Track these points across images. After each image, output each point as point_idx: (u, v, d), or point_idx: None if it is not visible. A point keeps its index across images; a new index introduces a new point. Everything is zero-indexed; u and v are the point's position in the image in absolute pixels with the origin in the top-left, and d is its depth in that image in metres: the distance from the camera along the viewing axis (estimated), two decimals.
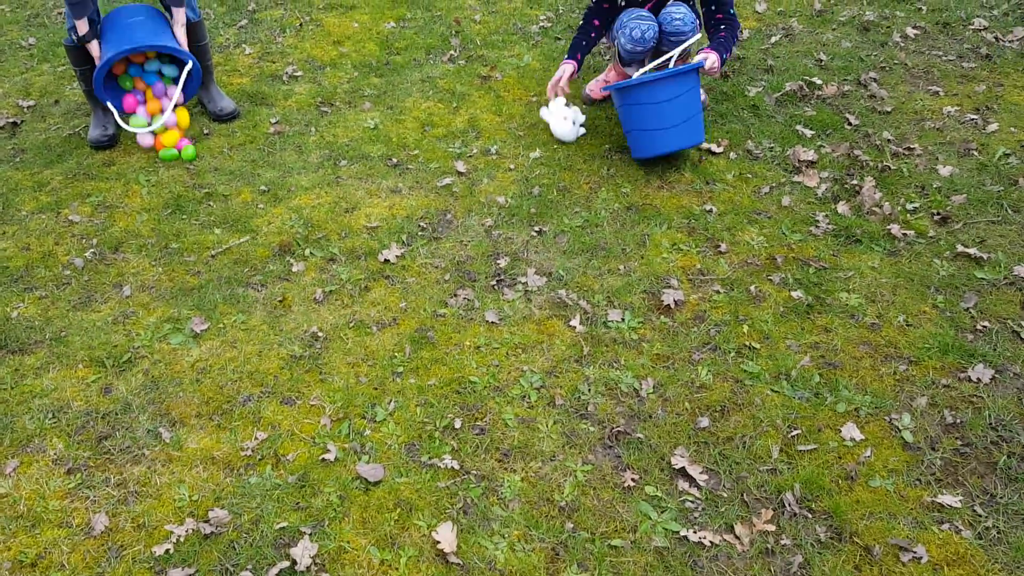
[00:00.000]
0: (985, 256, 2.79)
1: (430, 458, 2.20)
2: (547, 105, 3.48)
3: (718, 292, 2.72)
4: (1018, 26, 4.16)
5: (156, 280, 2.83)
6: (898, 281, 2.73)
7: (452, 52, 4.11)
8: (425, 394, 2.40)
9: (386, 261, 2.90)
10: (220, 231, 3.05)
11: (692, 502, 2.08)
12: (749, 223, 3.00)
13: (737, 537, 2.00)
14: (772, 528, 2.01)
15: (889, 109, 3.58)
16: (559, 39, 4.21)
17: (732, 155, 3.34)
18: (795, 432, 2.25)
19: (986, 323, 2.55)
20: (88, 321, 2.68)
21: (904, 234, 2.91)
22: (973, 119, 3.51)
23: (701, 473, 2.13)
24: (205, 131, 3.62)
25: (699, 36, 3.31)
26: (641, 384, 2.40)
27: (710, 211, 3.05)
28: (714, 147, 3.36)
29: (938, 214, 2.99)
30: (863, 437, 2.24)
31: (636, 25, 3.32)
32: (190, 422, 2.33)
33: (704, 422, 2.27)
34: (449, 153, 3.44)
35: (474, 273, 2.84)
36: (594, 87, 3.73)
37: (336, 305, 2.72)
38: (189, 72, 3.31)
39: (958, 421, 2.28)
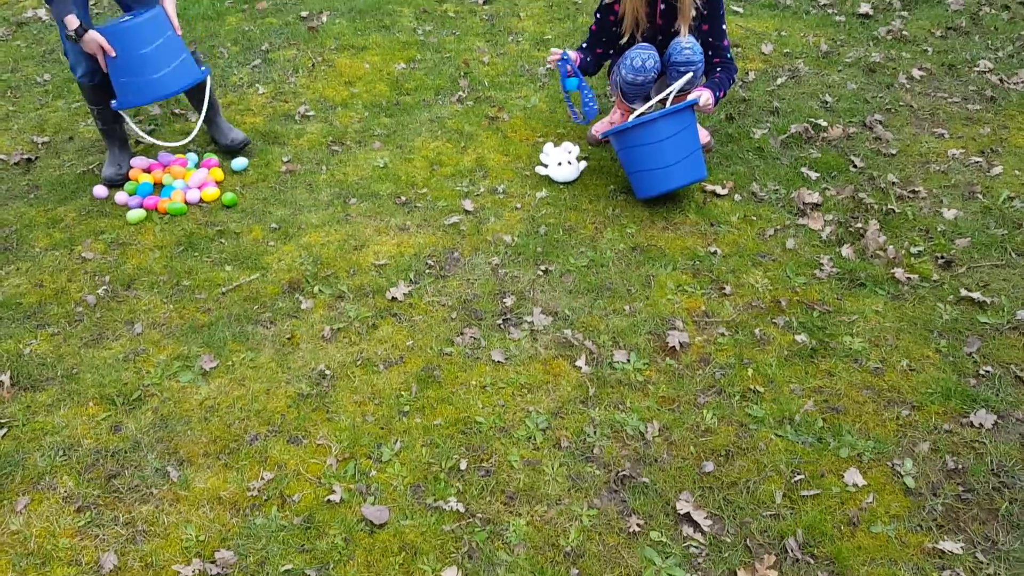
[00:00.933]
0: (988, 300, 2.81)
1: (435, 500, 2.22)
2: (541, 162, 3.55)
3: (723, 335, 2.74)
4: (1023, 68, 4.20)
5: (167, 317, 2.86)
6: (901, 325, 2.75)
7: (460, 93, 4.18)
8: (431, 434, 2.42)
9: (394, 299, 2.93)
10: (231, 268, 3.09)
11: (696, 547, 2.09)
12: (754, 266, 3.03)
13: None
14: (775, 574, 2.01)
15: (894, 151, 3.62)
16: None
17: (737, 197, 3.37)
18: (798, 477, 2.26)
19: (989, 368, 2.56)
20: (99, 358, 2.71)
21: (908, 278, 2.93)
22: (978, 162, 3.54)
23: (705, 518, 2.14)
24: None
25: (697, 74, 3.36)
26: (647, 427, 2.42)
27: (715, 253, 3.08)
28: (719, 189, 3.40)
29: (942, 258, 3.02)
30: (865, 482, 2.25)
31: (637, 54, 3.37)
32: (198, 461, 2.35)
33: (709, 466, 2.29)
34: (457, 192, 3.48)
35: (481, 312, 2.87)
36: (600, 128, 3.78)
37: (344, 343, 2.75)
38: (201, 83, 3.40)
39: (960, 467, 2.28)
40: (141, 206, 3.38)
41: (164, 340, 2.78)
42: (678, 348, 2.68)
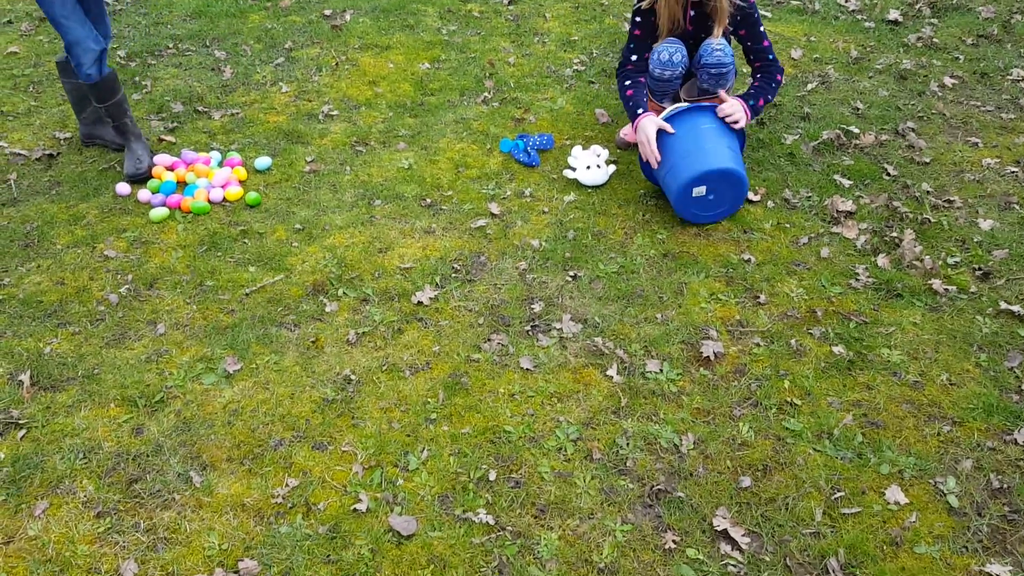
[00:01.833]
0: None
1: (464, 511, 2.16)
2: (568, 166, 3.49)
3: (758, 345, 2.67)
4: None
5: (190, 318, 2.82)
6: (940, 338, 2.68)
7: (486, 94, 4.12)
8: (459, 443, 2.36)
9: (419, 303, 2.88)
10: (254, 269, 3.04)
11: (735, 566, 2.02)
12: (788, 274, 2.96)
13: None
14: None
15: (928, 160, 3.54)
16: (592, 83, 4.21)
17: (769, 204, 3.31)
18: (838, 494, 2.19)
19: None
20: (121, 359, 2.66)
21: (946, 289, 2.86)
22: (1013, 172, 3.46)
23: (743, 536, 2.08)
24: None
25: (728, 77, 3.31)
26: (681, 439, 2.35)
27: (748, 261, 3.02)
28: (751, 195, 3.33)
29: (979, 269, 2.94)
30: (907, 501, 2.18)
31: (664, 48, 3.31)
32: (221, 466, 2.30)
33: (746, 481, 2.22)
34: (483, 195, 3.43)
35: (508, 317, 2.81)
36: (628, 131, 3.72)
37: (369, 347, 2.70)
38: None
39: (1005, 486, 2.21)
40: (164, 204, 3.34)
41: (187, 341, 2.73)
42: (712, 358, 2.61)
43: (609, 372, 2.57)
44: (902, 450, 2.32)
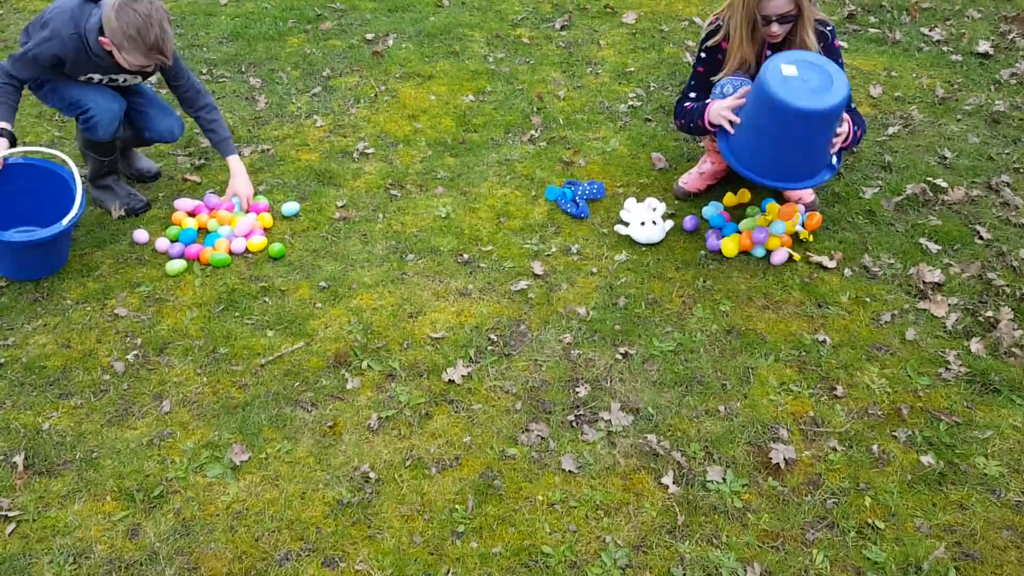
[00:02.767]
0: None
1: None
2: (620, 220, 3.18)
3: (835, 450, 2.33)
4: None
5: (199, 394, 2.56)
6: None
7: (533, 132, 3.82)
8: (489, 565, 2.06)
9: (451, 381, 2.59)
10: (272, 334, 2.78)
11: None
12: (868, 360, 2.61)
13: None
14: None
15: None
16: (649, 120, 3.88)
17: (847, 272, 2.95)
18: None
19: None
20: (122, 441, 2.42)
21: None
22: None
23: None
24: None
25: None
26: (746, 570, 2.03)
27: (823, 342, 2.67)
28: (826, 261, 2.98)
29: None
30: None
31: (727, 82, 3.00)
32: None
33: None
34: (525, 250, 3.13)
35: (549, 403, 2.51)
36: (688, 180, 3.39)
37: (392, 435, 2.42)
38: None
39: None
40: (183, 255, 3.10)
41: (193, 422, 2.47)
42: (782, 466, 2.28)
43: (664, 480, 2.25)
44: None
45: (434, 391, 2.56)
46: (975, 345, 2.65)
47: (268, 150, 3.74)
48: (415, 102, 4.09)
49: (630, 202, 3.22)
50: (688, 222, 3.17)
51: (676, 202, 3.36)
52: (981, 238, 3.10)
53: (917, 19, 4.70)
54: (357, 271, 3.05)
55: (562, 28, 4.76)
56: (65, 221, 2.89)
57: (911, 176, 3.41)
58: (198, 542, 2.14)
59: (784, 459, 2.29)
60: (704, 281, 2.95)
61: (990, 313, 2.76)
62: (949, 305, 2.80)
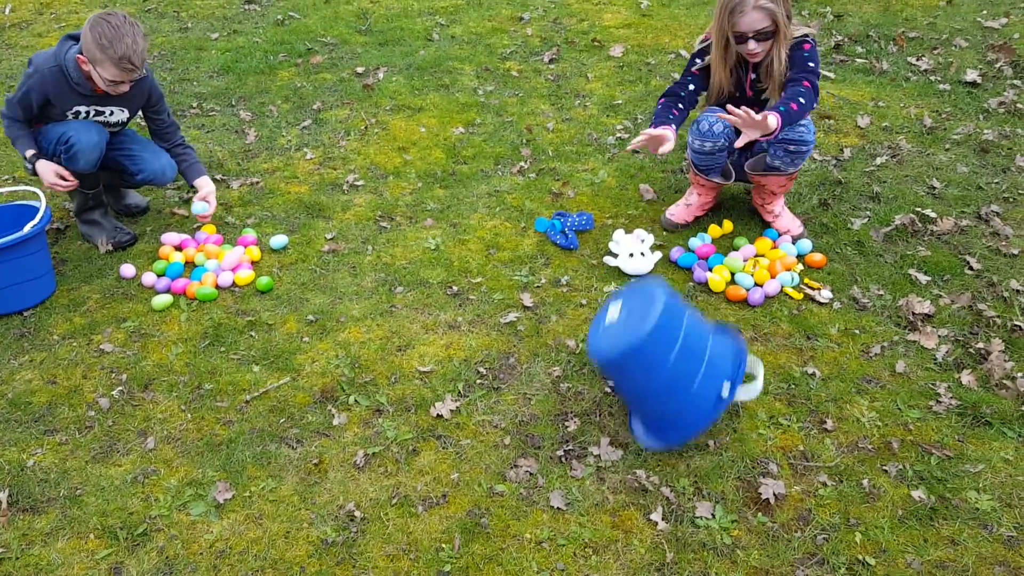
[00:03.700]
0: None
1: None
2: (609, 251, 3.18)
3: (825, 484, 2.31)
4: None
5: (183, 430, 2.54)
6: None
7: (522, 163, 3.83)
8: None
9: (439, 416, 2.57)
10: (258, 369, 2.76)
11: None
12: (858, 393, 2.60)
13: None
14: None
15: (1016, 252, 3.15)
16: (637, 152, 3.89)
17: (836, 304, 2.94)
18: None
19: None
20: (106, 478, 2.39)
21: None
22: None
23: None
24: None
25: (806, 154, 3.02)
26: None
27: (812, 375, 2.66)
28: (816, 295, 2.97)
29: None
30: None
31: (704, 117, 3.02)
32: None
33: None
34: (515, 282, 3.12)
35: (538, 438, 2.48)
36: (675, 211, 3.39)
37: (378, 473, 2.39)
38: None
39: None
40: (169, 290, 3.08)
41: (177, 459, 2.45)
42: (772, 501, 2.25)
43: (653, 516, 2.22)
44: None
45: (422, 426, 2.54)
46: (966, 377, 2.64)
47: (257, 183, 3.75)
48: (405, 134, 4.10)
49: (619, 233, 3.22)
50: (676, 253, 3.17)
51: (664, 233, 3.36)
52: (971, 268, 3.09)
53: (904, 48, 4.74)
54: (345, 304, 3.04)
55: (550, 61, 4.80)
56: (27, 228, 2.90)
57: (900, 207, 3.41)
58: None
59: (774, 494, 2.27)
60: None
61: (981, 344, 2.75)
62: (939, 337, 2.79)
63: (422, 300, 3.06)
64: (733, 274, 3.06)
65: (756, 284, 3.01)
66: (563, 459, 2.42)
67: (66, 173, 3.08)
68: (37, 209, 3.03)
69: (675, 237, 3.33)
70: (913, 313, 2.86)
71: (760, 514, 2.23)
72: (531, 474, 2.37)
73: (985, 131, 3.92)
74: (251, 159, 3.94)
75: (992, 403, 2.54)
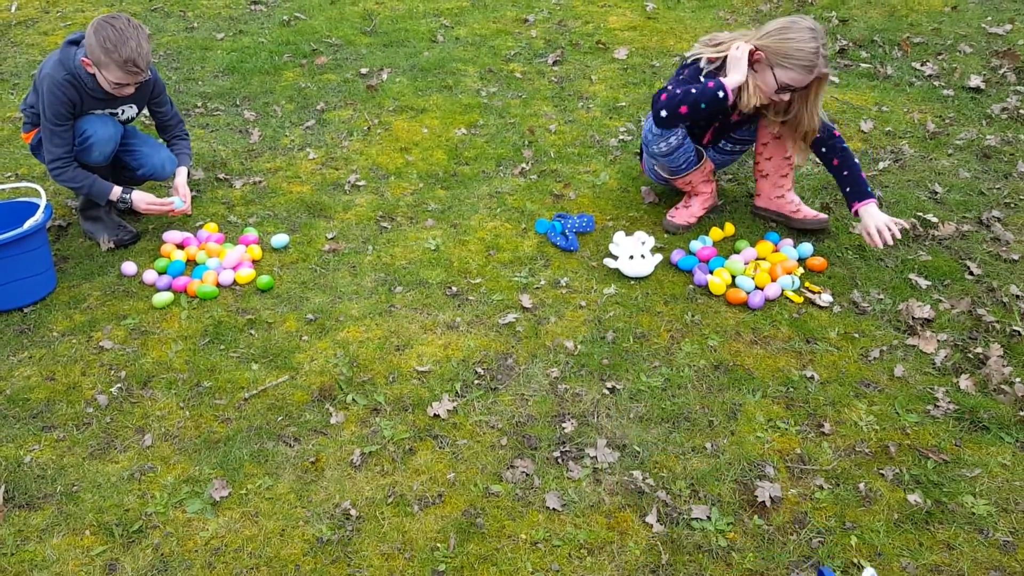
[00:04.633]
0: None
1: None
2: (609, 253, 3.18)
3: (821, 488, 2.30)
4: None
5: (181, 428, 2.54)
6: None
7: (524, 165, 3.83)
8: None
9: (436, 416, 2.57)
10: (257, 367, 2.76)
11: None
12: (856, 397, 2.59)
13: None
14: None
15: (1016, 257, 3.14)
16: (639, 155, 3.88)
17: (836, 308, 2.94)
18: None
19: None
20: (103, 475, 2.40)
21: None
22: None
23: None
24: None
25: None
26: None
27: (811, 378, 2.65)
28: (816, 298, 2.96)
29: None
30: None
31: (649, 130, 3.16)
32: None
33: None
34: (514, 283, 3.12)
35: (535, 439, 2.48)
36: (676, 213, 3.39)
37: (375, 472, 2.39)
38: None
39: None
40: (170, 287, 3.09)
41: (175, 456, 2.45)
42: (768, 504, 2.25)
43: (648, 518, 2.22)
44: None
45: (419, 426, 2.54)
46: (964, 382, 2.63)
47: (260, 182, 3.75)
48: (407, 135, 4.11)
49: (619, 236, 3.22)
50: (676, 256, 3.17)
51: (665, 236, 3.35)
52: (971, 274, 3.09)
53: (908, 54, 4.74)
54: (345, 303, 3.04)
55: (554, 63, 4.80)
56: (29, 223, 2.92)
57: (901, 211, 3.41)
58: None
59: (770, 497, 2.26)
60: (692, 316, 2.93)
61: (979, 349, 2.74)
62: (938, 341, 2.78)
63: (421, 300, 3.06)
64: (734, 277, 3.05)
65: (757, 287, 3.01)
66: (560, 460, 2.42)
67: (156, 200, 3.23)
68: (38, 206, 3.04)
69: (676, 239, 3.33)
70: (913, 317, 2.86)
71: (756, 517, 2.23)
72: (527, 475, 2.37)
73: (988, 137, 3.91)
74: (254, 158, 3.95)
75: (990, 408, 2.53)
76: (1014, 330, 2.80)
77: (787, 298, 2.99)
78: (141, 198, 3.20)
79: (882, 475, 2.34)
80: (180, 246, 3.30)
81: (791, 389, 2.62)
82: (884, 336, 2.82)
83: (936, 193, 3.54)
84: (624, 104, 4.34)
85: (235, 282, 3.13)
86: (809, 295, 2.98)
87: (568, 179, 3.75)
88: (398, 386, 2.69)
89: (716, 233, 3.29)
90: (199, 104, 4.42)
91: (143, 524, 2.25)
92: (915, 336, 2.80)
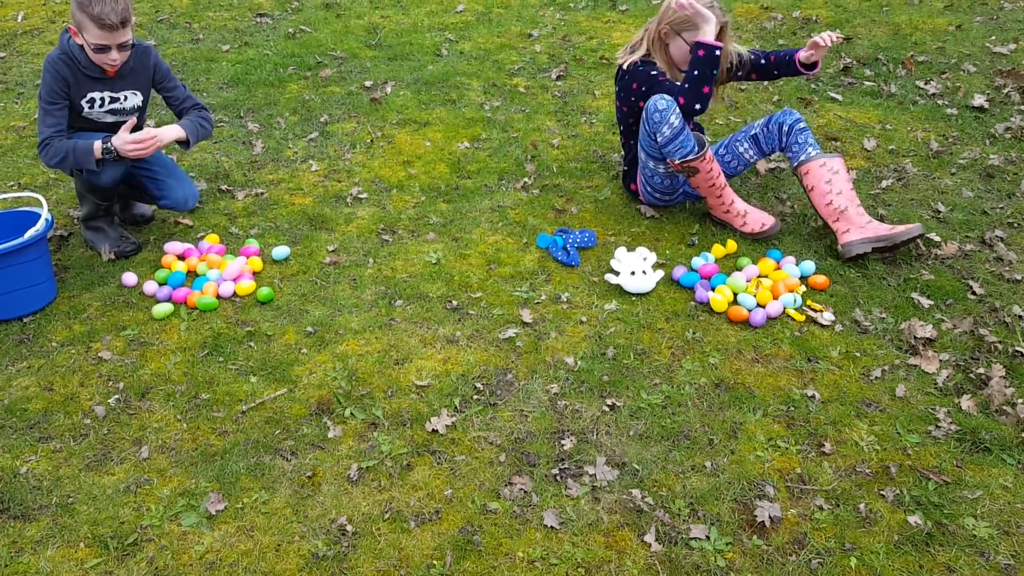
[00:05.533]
0: None
1: None
2: (611, 269, 3.17)
3: (821, 508, 2.28)
4: None
5: (178, 440, 2.53)
6: None
7: (526, 179, 3.83)
8: None
9: (434, 431, 2.55)
10: (256, 380, 2.75)
11: None
12: (857, 416, 2.57)
13: None
14: None
15: (1019, 277, 3.13)
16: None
17: (838, 327, 2.92)
18: None
19: None
20: (99, 486, 2.38)
21: None
22: None
23: None
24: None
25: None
26: None
27: (812, 397, 2.64)
28: (818, 316, 2.95)
29: None
30: None
31: (653, 103, 3.25)
32: None
33: None
34: (515, 298, 3.11)
35: (534, 456, 2.47)
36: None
37: (372, 487, 2.38)
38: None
39: None
40: (170, 298, 3.09)
41: (171, 469, 2.44)
42: (768, 524, 2.23)
43: (647, 537, 2.20)
44: None
45: (417, 441, 2.53)
46: (966, 402, 2.61)
47: (262, 194, 3.76)
48: (411, 148, 4.11)
49: (621, 251, 3.21)
50: (678, 272, 3.16)
51: (667, 252, 3.35)
52: (974, 293, 3.07)
53: (912, 72, 4.74)
54: (345, 316, 3.04)
55: (558, 78, 4.81)
56: (29, 233, 2.93)
57: None
58: None
59: (769, 517, 2.24)
60: (693, 333, 2.92)
61: (982, 370, 2.72)
62: (940, 361, 2.77)
63: (421, 314, 3.05)
64: (735, 294, 3.04)
65: (758, 305, 2.99)
66: (558, 478, 2.40)
67: (140, 134, 3.06)
68: (40, 216, 3.04)
69: (677, 256, 3.32)
70: (915, 337, 2.84)
71: (755, 537, 2.21)
72: (525, 492, 2.36)
73: (991, 156, 3.90)
74: (257, 170, 3.95)
75: (992, 429, 2.51)
76: (1017, 351, 2.79)
77: (789, 316, 2.98)
78: (122, 142, 3.04)
79: (883, 496, 2.32)
80: (181, 257, 3.30)
81: (792, 408, 2.61)
82: (886, 355, 2.80)
83: (939, 212, 3.53)
84: None
85: (235, 294, 3.12)
86: (811, 313, 2.97)
87: (570, 194, 3.74)
88: (397, 400, 2.68)
89: (718, 250, 3.29)
90: None
91: (138, 537, 2.24)
92: (917, 356, 2.79)
